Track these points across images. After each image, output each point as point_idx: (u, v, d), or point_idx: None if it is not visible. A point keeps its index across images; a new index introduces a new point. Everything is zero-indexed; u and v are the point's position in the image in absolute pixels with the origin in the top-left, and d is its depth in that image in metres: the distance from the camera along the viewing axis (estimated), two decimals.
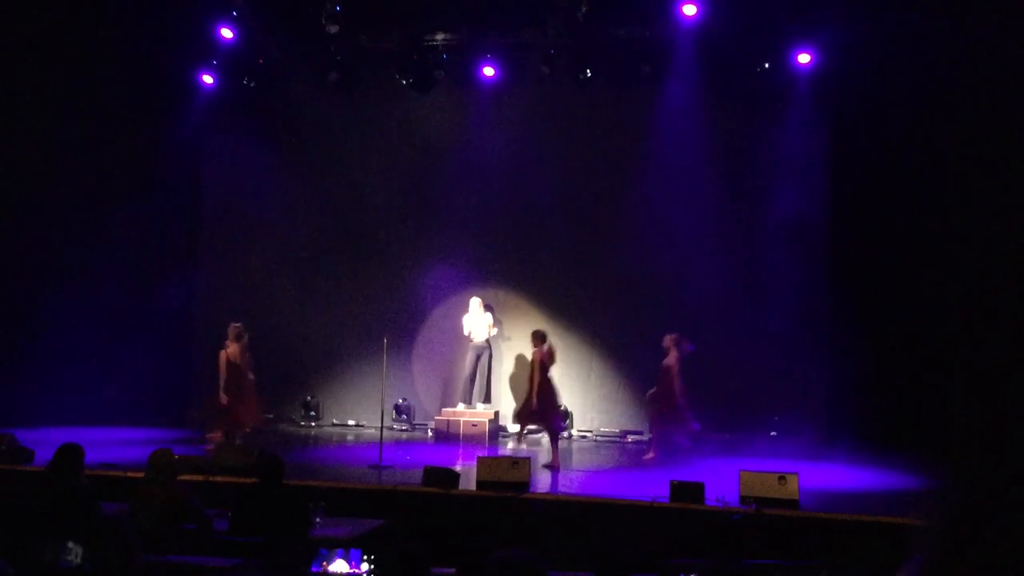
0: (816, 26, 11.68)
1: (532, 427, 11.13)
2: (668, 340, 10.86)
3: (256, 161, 13.86)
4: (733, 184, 12.60)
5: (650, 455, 10.89)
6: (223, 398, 10.87)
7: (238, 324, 11.24)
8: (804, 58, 12.03)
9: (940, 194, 10.99)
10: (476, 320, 12.71)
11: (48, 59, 12.22)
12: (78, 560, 4.06)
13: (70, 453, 5.92)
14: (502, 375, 13.36)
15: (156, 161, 13.42)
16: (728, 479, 7.79)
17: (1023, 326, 8.76)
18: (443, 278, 13.44)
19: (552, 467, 9.82)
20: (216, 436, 10.93)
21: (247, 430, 11.20)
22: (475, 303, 12.82)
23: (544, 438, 12.91)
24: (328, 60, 13.02)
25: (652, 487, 7.95)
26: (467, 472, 8.71)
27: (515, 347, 13.39)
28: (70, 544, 3.90)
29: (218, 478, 8.22)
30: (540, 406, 10.29)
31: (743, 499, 7.40)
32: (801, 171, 12.37)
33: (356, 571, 4.67)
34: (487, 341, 12.71)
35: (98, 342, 12.31)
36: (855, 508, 7.64)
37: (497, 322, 13.21)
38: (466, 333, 12.78)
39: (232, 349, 11.03)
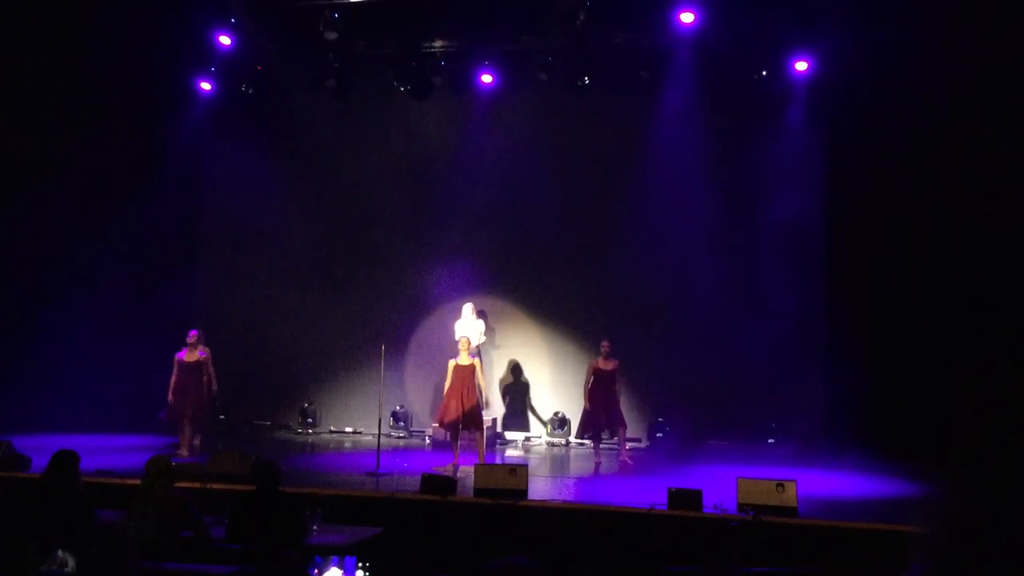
0: (814, 34, 11.69)
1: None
2: (609, 346, 11.17)
3: (254, 167, 13.87)
4: (730, 191, 12.60)
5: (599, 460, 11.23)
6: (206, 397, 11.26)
7: (197, 332, 11.41)
8: (801, 65, 12.05)
9: (937, 201, 11.00)
10: (468, 326, 12.65)
11: (47, 65, 12.22)
12: (70, 569, 4.04)
13: (65, 460, 5.89)
14: (497, 381, 13.37)
15: (155, 167, 13.43)
16: (726, 486, 7.76)
17: (1021, 332, 8.75)
18: (440, 284, 13.44)
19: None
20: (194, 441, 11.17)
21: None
22: (467, 309, 12.79)
23: (537, 445, 12.93)
24: (326, 67, 13.04)
25: (650, 494, 7.93)
26: (464, 479, 8.69)
27: (508, 355, 13.40)
28: (60, 553, 3.87)
29: (215, 485, 8.19)
30: (478, 411, 10.67)
31: (741, 506, 7.38)
32: (798, 178, 12.38)
33: None
34: (478, 348, 12.61)
35: (96, 349, 12.29)
36: (853, 516, 7.62)
37: (490, 329, 13.19)
38: (457, 339, 12.74)
39: (188, 355, 11.24)
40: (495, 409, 13.20)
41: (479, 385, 10.73)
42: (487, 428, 12.21)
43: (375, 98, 13.72)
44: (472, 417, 10.52)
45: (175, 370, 11.18)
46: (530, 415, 13.36)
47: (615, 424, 11.16)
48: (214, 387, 11.27)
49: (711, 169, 12.56)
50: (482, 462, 9.94)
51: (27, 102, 12.14)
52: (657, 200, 12.59)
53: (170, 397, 11.10)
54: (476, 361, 10.87)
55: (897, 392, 11.02)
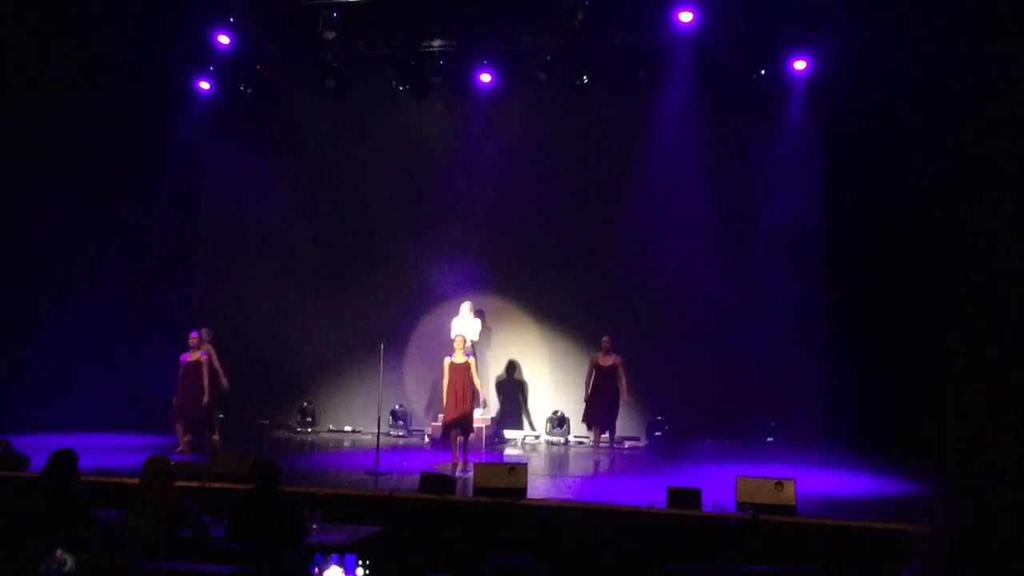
0: (812, 32, 11.70)
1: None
2: (610, 341, 11.24)
3: (253, 167, 13.87)
4: (730, 190, 12.61)
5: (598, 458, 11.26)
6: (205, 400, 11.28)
7: (198, 333, 11.50)
8: (800, 64, 12.06)
9: (937, 200, 11.00)
10: (464, 324, 12.63)
11: (46, 65, 12.21)
12: (69, 568, 4.04)
13: (64, 459, 5.88)
14: (494, 380, 13.37)
15: (153, 167, 13.44)
16: (725, 485, 7.77)
17: (1020, 332, 8.77)
18: (439, 284, 13.44)
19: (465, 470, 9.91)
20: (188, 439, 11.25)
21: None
22: (466, 307, 12.80)
23: (536, 444, 12.93)
24: (325, 66, 13.03)
25: (649, 493, 7.94)
26: (464, 478, 8.69)
27: (507, 354, 13.39)
28: (59, 552, 3.87)
29: (214, 484, 8.19)
30: (471, 412, 10.71)
31: (740, 505, 7.38)
32: (797, 177, 12.40)
33: None
34: (472, 346, 12.55)
35: (95, 348, 12.29)
36: (852, 514, 7.62)
37: (488, 328, 13.17)
38: (453, 337, 12.72)
39: (190, 356, 11.36)
40: (492, 408, 13.21)
41: (475, 385, 10.73)
42: (486, 427, 12.24)
43: (374, 98, 13.72)
44: (466, 419, 10.55)
45: (180, 372, 11.31)
46: (525, 415, 13.35)
47: (606, 418, 11.18)
48: (222, 381, 11.46)
49: (710, 169, 12.57)
50: (465, 462, 10.12)
51: (27, 102, 12.12)
52: (657, 200, 12.59)
53: (174, 398, 11.22)
54: (471, 360, 10.88)
55: (897, 392, 11.03)
